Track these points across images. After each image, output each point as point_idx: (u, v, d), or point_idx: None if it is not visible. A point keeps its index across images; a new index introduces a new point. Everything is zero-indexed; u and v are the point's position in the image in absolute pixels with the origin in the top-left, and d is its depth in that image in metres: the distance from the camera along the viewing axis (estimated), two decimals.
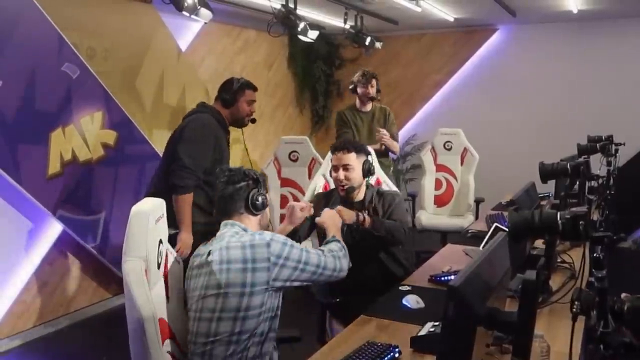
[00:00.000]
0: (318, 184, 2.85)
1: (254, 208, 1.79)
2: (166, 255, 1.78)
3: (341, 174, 2.45)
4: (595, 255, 1.25)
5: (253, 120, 3.06)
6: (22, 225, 3.46)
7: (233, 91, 2.91)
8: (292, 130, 6.05)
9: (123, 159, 4.10)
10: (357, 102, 4.04)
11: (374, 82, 3.95)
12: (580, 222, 1.21)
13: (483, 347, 1.35)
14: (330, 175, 2.59)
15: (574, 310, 1.17)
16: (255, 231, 1.79)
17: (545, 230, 1.27)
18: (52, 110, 3.59)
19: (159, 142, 4.43)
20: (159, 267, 1.68)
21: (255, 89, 3.01)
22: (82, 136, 3.78)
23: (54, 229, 3.63)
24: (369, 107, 4.03)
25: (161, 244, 1.69)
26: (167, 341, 1.66)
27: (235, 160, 5.35)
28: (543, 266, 1.30)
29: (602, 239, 1.27)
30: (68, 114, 3.68)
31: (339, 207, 2.33)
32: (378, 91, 4.03)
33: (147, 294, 1.48)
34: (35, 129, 3.48)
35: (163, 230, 1.73)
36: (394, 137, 4.04)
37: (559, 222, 1.25)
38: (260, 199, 1.80)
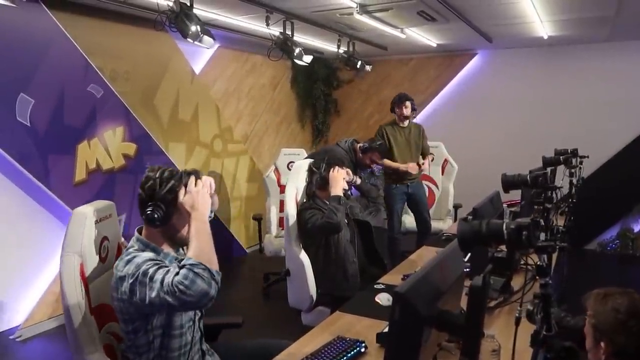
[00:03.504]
0: (292, 195, 2.55)
1: (148, 221, 1.47)
2: (118, 249, 1.76)
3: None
4: (538, 263, 1.16)
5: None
6: (53, 225, 3.44)
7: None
8: (294, 143, 5.98)
9: (142, 168, 4.01)
10: (396, 118, 4.10)
11: (407, 103, 4.03)
12: (524, 233, 1.12)
13: (435, 346, 1.27)
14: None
15: (517, 315, 1.08)
16: (151, 244, 1.51)
17: (492, 240, 1.17)
18: (79, 125, 3.57)
19: (174, 153, 4.39)
20: (104, 261, 1.67)
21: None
22: (105, 148, 3.76)
23: None
24: (406, 123, 4.10)
25: (106, 241, 1.68)
26: (111, 324, 1.65)
27: (243, 169, 5.31)
28: (490, 271, 1.21)
29: (545, 248, 1.19)
30: (93, 128, 3.66)
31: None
32: (414, 110, 4.13)
33: (77, 285, 1.53)
34: (64, 141, 3.47)
35: (110, 228, 1.71)
36: (427, 149, 4.26)
37: (505, 231, 1.16)
38: (154, 214, 1.45)
